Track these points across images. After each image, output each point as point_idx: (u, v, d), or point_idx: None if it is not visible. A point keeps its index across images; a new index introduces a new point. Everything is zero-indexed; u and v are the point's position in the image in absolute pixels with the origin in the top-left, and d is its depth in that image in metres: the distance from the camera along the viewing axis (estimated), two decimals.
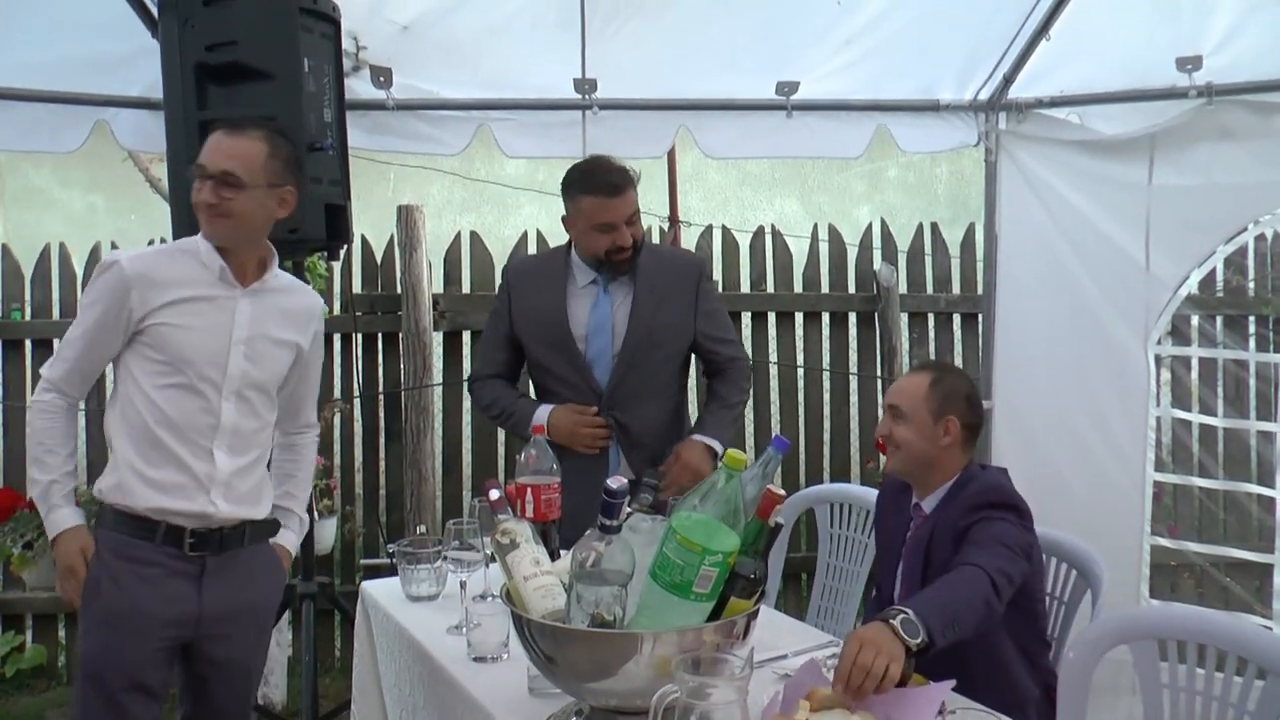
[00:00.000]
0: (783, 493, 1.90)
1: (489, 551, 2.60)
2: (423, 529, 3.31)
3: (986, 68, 3.91)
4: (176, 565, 2.47)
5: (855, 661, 1.85)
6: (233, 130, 2.52)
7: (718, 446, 3.16)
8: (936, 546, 2.55)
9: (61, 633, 4.80)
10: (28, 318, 4.80)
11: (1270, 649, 2.16)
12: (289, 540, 2.75)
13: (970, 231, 4.99)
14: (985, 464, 2.80)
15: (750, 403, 4.31)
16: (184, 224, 3.33)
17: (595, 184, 3.13)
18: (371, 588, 2.96)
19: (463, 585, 2.60)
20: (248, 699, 2.71)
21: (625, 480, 1.85)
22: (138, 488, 2.44)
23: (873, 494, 3.49)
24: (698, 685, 1.68)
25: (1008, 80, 3.92)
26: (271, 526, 2.68)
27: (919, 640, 1.93)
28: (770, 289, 5.00)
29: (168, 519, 2.45)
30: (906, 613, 1.98)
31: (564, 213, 3.23)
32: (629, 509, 1.95)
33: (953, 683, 1.89)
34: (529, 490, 2.61)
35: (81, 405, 2.63)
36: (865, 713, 1.82)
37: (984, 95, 4.02)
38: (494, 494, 2.17)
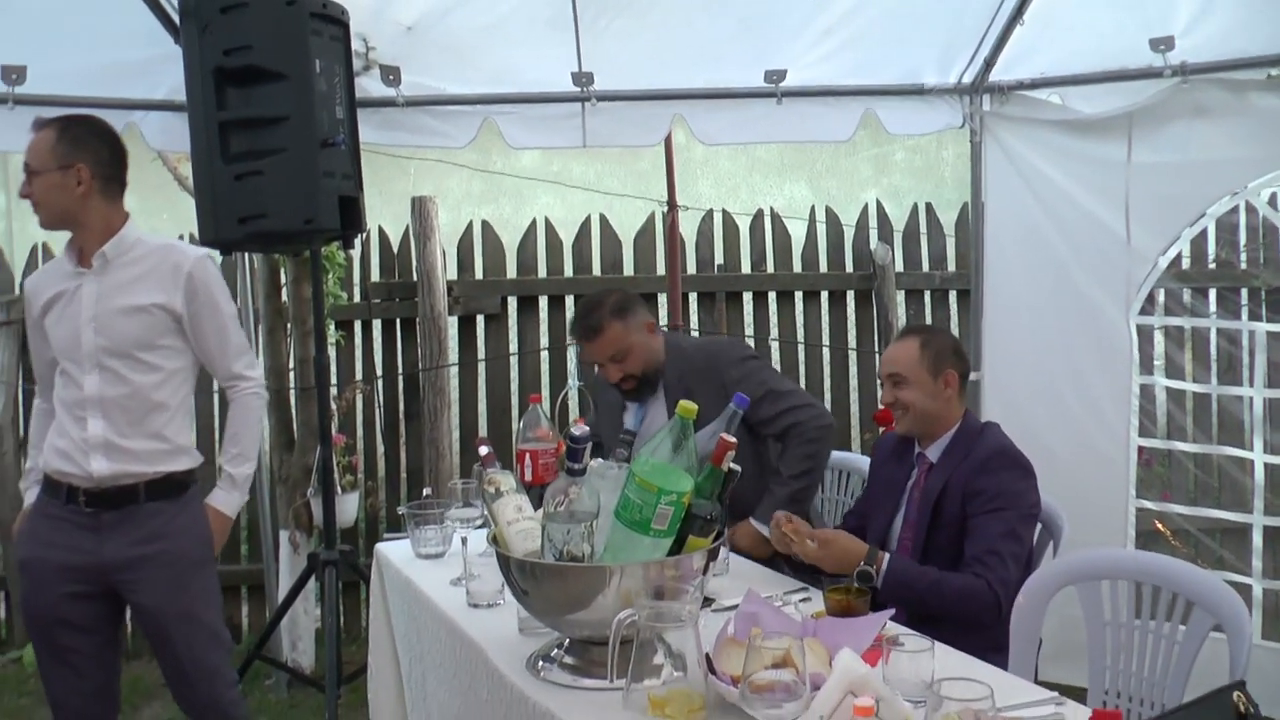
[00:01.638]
0: (734, 439, 2.09)
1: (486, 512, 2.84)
2: (428, 491, 3.54)
3: (967, 53, 4.05)
4: (78, 520, 2.77)
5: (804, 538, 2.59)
6: (37, 127, 2.81)
7: (766, 532, 2.99)
8: (947, 501, 2.81)
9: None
10: None
11: (1195, 582, 2.36)
12: (218, 499, 2.94)
13: (964, 211, 5.15)
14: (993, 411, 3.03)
15: None
16: (208, 219, 3.57)
17: (574, 329, 3.35)
18: (385, 548, 3.21)
19: (464, 541, 2.81)
20: (190, 646, 2.85)
21: (587, 428, 2.06)
22: (49, 455, 2.81)
23: (851, 458, 3.74)
24: (654, 610, 1.90)
25: (988, 64, 4.06)
26: (175, 485, 2.84)
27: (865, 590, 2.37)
28: (770, 269, 5.19)
29: (67, 480, 2.77)
30: (873, 570, 2.59)
31: None
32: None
33: (891, 612, 2.09)
34: (528, 455, 2.82)
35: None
36: (812, 639, 2.02)
37: (967, 78, 4.17)
38: (483, 450, 2.39)
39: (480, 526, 2.85)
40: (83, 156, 2.75)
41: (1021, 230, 4.23)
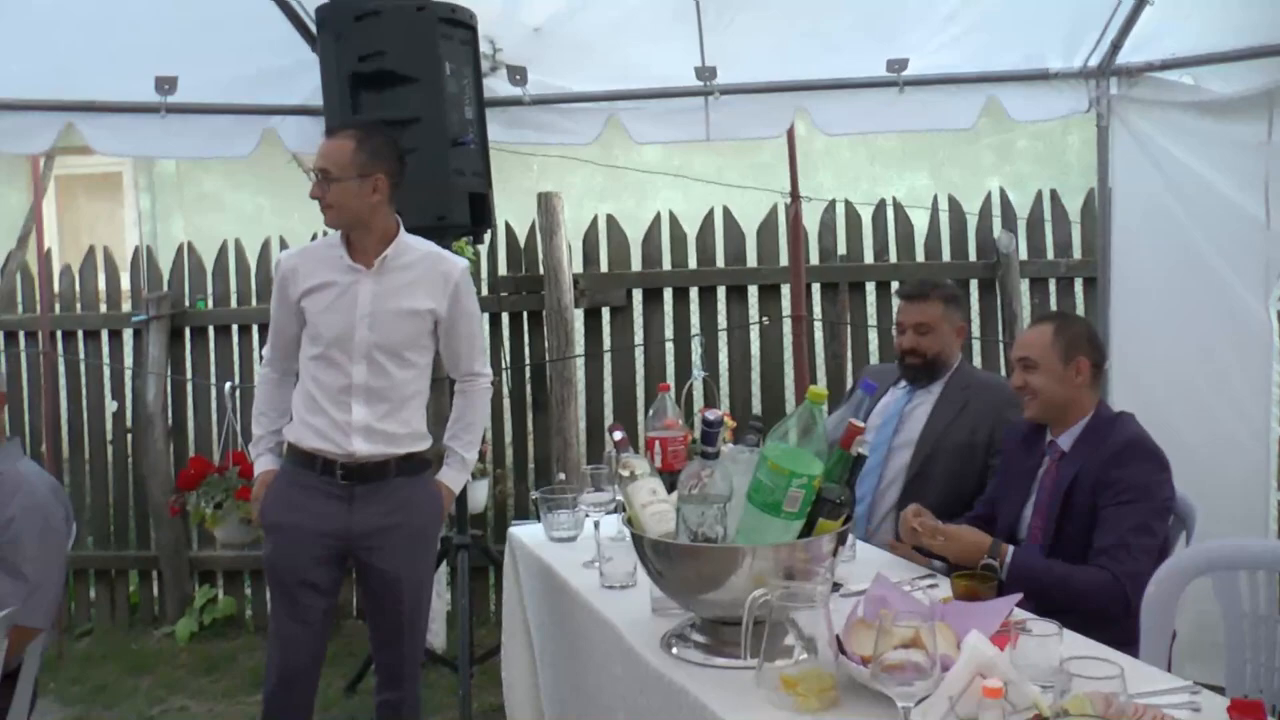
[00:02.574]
0: (862, 424, 2.13)
1: (619, 496, 2.93)
2: (561, 477, 3.66)
3: (1093, 36, 3.99)
4: (330, 490, 3.01)
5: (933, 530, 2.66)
6: (329, 134, 3.05)
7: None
8: (1078, 490, 2.79)
9: (248, 588, 5.34)
10: (210, 307, 5.36)
11: None
12: (448, 476, 3.21)
13: (1090, 197, 5.05)
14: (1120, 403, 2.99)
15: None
16: None
17: (901, 288, 3.62)
18: (518, 532, 3.33)
19: (596, 525, 2.90)
20: (413, 609, 3.15)
21: (720, 412, 2.12)
22: (303, 433, 3.03)
23: None
24: (786, 591, 1.95)
25: (1115, 46, 3.99)
26: (419, 463, 3.11)
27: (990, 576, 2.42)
28: (893, 259, 5.18)
29: (323, 455, 3.00)
30: (996, 565, 2.62)
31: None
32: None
33: (1018, 596, 2.11)
34: (657, 442, 2.91)
35: None
36: (940, 622, 2.04)
37: (1093, 62, 4.10)
38: (617, 435, 2.47)
39: (612, 511, 2.93)
40: (381, 167, 2.95)
41: (1151, 216, 4.15)
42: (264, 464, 3.12)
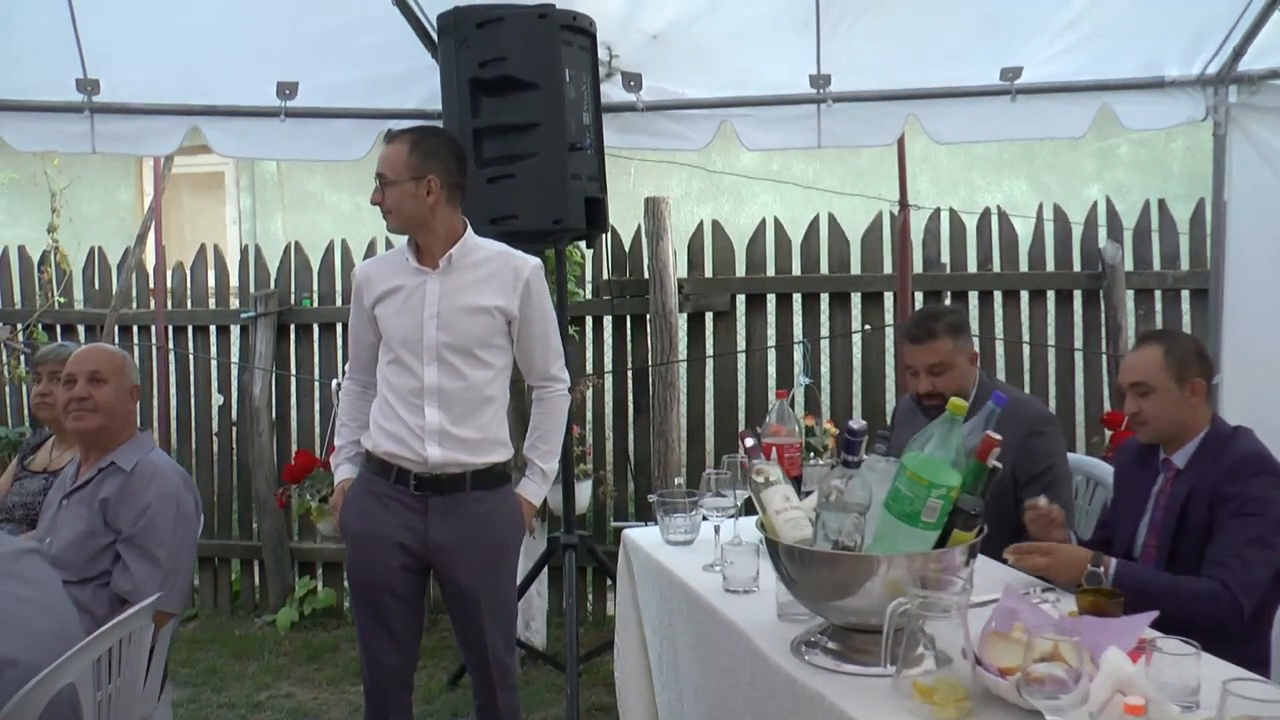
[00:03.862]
0: (998, 436, 2.15)
1: (739, 501, 2.98)
2: (680, 481, 3.71)
3: (1214, 42, 3.94)
4: (407, 500, 3.01)
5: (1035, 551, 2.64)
6: (388, 140, 3.05)
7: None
8: (1194, 506, 2.74)
9: (347, 580, 5.45)
10: (315, 304, 5.51)
11: None
12: (529, 490, 3.18)
13: (1200, 207, 4.98)
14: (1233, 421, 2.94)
15: None
16: None
17: (906, 329, 3.43)
18: (633, 534, 3.37)
19: (717, 530, 2.94)
20: (493, 623, 3.11)
21: (865, 422, 2.16)
22: (379, 437, 3.02)
23: (1101, 465, 3.67)
24: (925, 600, 1.98)
25: (1238, 53, 3.93)
26: (501, 476, 3.09)
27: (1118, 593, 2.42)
28: (996, 268, 5.16)
29: (398, 463, 2.99)
30: (1101, 572, 2.58)
31: None
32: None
33: (1155, 614, 2.11)
34: (773, 449, 2.94)
35: None
36: (1072, 638, 2.05)
37: (1212, 69, 4.05)
38: (749, 442, 2.51)
39: (732, 515, 2.97)
40: (433, 168, 2.97)
41: (1269, 227, 4.09)
42: (343, 473, 3.14)
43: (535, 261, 3.10)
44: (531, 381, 3.21)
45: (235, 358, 5.67)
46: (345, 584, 5.44)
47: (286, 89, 4.12)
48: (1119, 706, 1.79)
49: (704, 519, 3.07)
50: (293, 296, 5.53)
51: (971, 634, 2.02)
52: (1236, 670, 2.09)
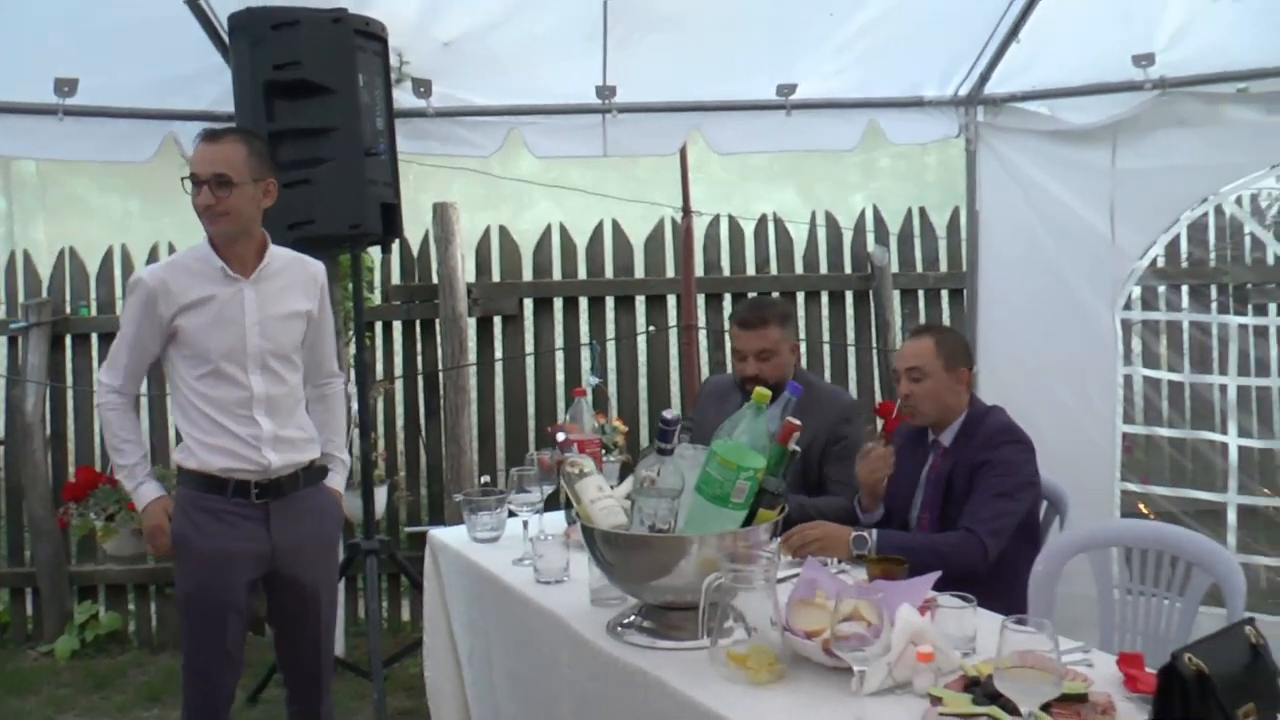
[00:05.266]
0: (798, 422, 2.35)
1: (544, 496, 3.09)
2: (486, 479, 3.77)
3: (965, 67, 4.35)
4: (247, 511, 2.94)
5: (804, 532, 2.86)
6: (213, 139, 2.89)
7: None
8: (957, 477, 3.11)
9: (132, 604, 5.25)
10: (94, 314, 5.26)
11: (1190, 544, 2.66)
12: (337, 481, 3.21)
13: (955, 214, 5.44)
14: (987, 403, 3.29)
15: None
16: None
17: (736, 316, 3.61)
18: (439, 534, 3.43)
19: (525, 525, 3.04)
20: (328, 620, 3.16)
21: (677, 412, 2.31)
22: (205, 455, 2.91)
23: None
24: (737, 574, 2.15)
25: (984, 78, 4.36)
26: (321, 471, 3.12)
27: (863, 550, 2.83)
28: (774, 271, 5.47)
29: (234, 476, 2.92)
30: (868, 535, 2.86)
31: None
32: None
33: (938, 575, 2.35)
34: (575, 444, 3.08)
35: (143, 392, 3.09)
36: (867, 600, 2.26)
37: (963, 91, 4.46)
38: (561, 436, 2.62)
39: (539, 510, 3.08)
40: (269, 172, 2.93)
41: (1014, 233, 4.52)
42: (152, 491, 2.99)
43: (321, 265, 3.15)
44: (318, 380, 3.21)
45: (2, 370, 5.34)
46: (130, 607, 5.22)
47: (65, 86, 3.93)
48: (912, 655, 2.01)
49: (511, 515, 3.16)
50: (68, 305, 5.26)
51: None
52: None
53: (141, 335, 2.94)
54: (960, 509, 3.07)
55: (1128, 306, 4.39)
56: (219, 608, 2.94)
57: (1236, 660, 1.68)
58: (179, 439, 2.99)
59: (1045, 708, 1.77)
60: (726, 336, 5.41)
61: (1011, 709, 1.78)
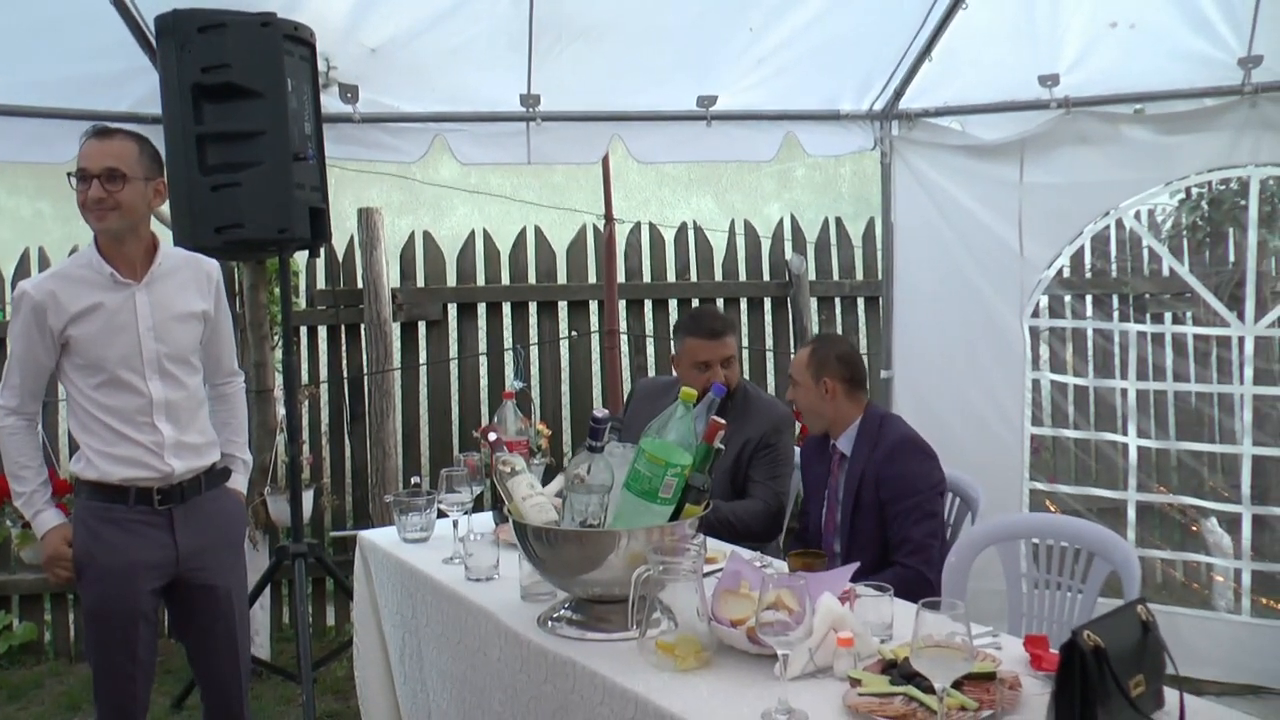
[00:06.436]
0: (723, 421, 2.44)
1: (474, 496, 3.15)
2: (416, 480, 3.81)
3: (880, 83, 4.51)
4: (151, 519, 2.90)
5: None
6: (104, 135, 2.86)
7: None
8: (864, 489, 3.23)
9: (48, 613, 5.16)
10: (7, 319, 5.16)
11: (1090, 534, 2.83)
12: (239, 483, 3.18)
13: (871, 225, 5.61)
14: (882, 408, 3.45)
15: None
16: (184, 228, 3.77)
17: (698, 328, 3.71)
18: (369, 535, 3.46)
19: (455, 524, 3.09)
20: (242, 622, 3.14)
21: (607, 411, 2.39)
22: (105, 465, 2.86)
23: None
24: (665, 565, 2.23)
25: (898, 94, 4.53)
26: (223, 473, 3.10)
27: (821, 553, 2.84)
28: (694, 278, 5.59)
29: (136, 484, 2.88)
30: None
31: (673, 352, 3.84)
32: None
33: (856, 565, 2.47)
34: (505, 445, 3.13)
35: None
36: (789, 590, 2.37)
37: (878, 106, 4.62)
38: (493, 436, 2.68)
39: (468, 511, 3.13)
40: (159, 173, 2.92)
41: (927, 243, 4.70)
42: (51, 519, 2.93)
43: (216, 263, 3.14)
44: (217, 380, 3.18)
45: None
46: (46, 617, 5.13)
47: None
48: (833, 641, 2.12)
49: (440, 515, 3.21)
50: None
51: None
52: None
53: (34, 350, 2.87)
54: (869, 520, 3.21)
55: (1035, 314, 4.57)
56: (127, 617, 2.90)
57: (1129, 636, 1.81)
58: (74, 449, 2.94)
59: (957, 685, 1.89)
60: (649, 341, 5.52)
61: (926, 688, 1.89)
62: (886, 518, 3.17)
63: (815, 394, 3.31)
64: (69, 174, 2.85)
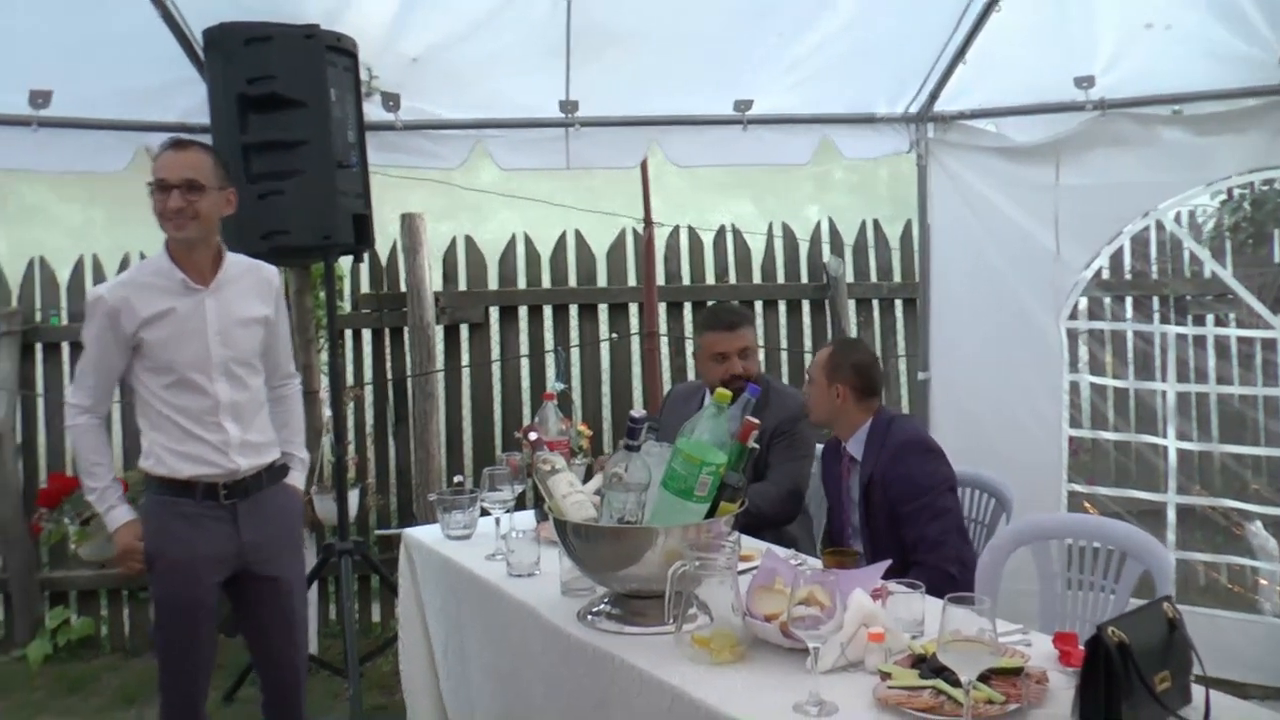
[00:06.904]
0: (757, 421, 2.50)
1: (515, 495, 3.22)
2: (460, 479, 3.89)
3: (914, 86, 4.53)
4: (216, 513, 3.03)
5: None
6: (181, 147, 3.00)
7: None
8: (874, 491, 3.27)
9: (104, 609, 5.31)
10: (65, 322, 5.32)
11: (1123, 535, 2.85)
12: (296, 479, 3.29)
13: (908, 227, 5.63)
14: (894, 411, 3.49)
15: None
16: (231, 235, 3.81)
17: (714, 321, 3.80)
18: (413, 533, 3.55)
19: (497, 522, 3.17)
20: (303, 613, 3.29)
21: (645, 411, 2.45)
22: (174, 461, 3.00)
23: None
24: (701, 562, 2.29)
25: (933, 96, 4.54)
26: (282, 470, 3.21)
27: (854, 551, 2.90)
28: (732, 280, 5.64)
29: (203, 480, 3.01)
30: None
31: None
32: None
33: (889, 562, 2.51)
34: (545, 445, 3.20)
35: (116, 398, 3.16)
36: (821, 585, 2.41)
37: (913, 109, 4.64)
38: (533, 435, 2.75)
39: (510, 509, 3.20)
40: (231, 182, 3.04)
41: (964, 245, 4.71)
42: (123, 514, 3.05)
43: (276, 270, 3.26)
44: (275, 382, 3.28)
45: None
46: (103, 612, 5.27)
47: (40, 98, 4.02)
48: (864, 636, 2.17)
49: (484, 513, 3.29)
50: (37, 314, 5.32)
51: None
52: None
53: (106, 353, 3.00)
54: (883, 519, 3.25)
55: (1073, 316, 4.57)
56: (194, 607, 3.03)
57: (1155, 633, 1.85)
58: (129, 450, 3.05)
59: (985, 680, 1.93)
60: (688, 343, 5.57)
61: (955, 682, 1.93)
62: (899, 519, 3.22)
63: (826, 395, 3.36)
64: (148, 183, 2.97)
